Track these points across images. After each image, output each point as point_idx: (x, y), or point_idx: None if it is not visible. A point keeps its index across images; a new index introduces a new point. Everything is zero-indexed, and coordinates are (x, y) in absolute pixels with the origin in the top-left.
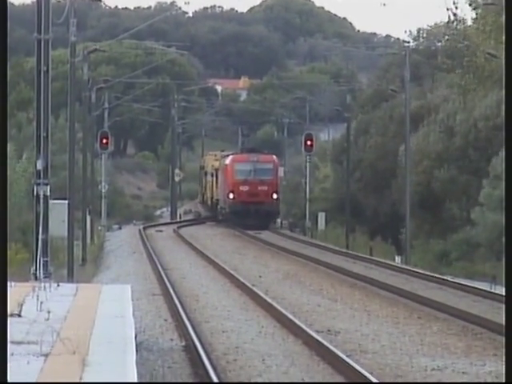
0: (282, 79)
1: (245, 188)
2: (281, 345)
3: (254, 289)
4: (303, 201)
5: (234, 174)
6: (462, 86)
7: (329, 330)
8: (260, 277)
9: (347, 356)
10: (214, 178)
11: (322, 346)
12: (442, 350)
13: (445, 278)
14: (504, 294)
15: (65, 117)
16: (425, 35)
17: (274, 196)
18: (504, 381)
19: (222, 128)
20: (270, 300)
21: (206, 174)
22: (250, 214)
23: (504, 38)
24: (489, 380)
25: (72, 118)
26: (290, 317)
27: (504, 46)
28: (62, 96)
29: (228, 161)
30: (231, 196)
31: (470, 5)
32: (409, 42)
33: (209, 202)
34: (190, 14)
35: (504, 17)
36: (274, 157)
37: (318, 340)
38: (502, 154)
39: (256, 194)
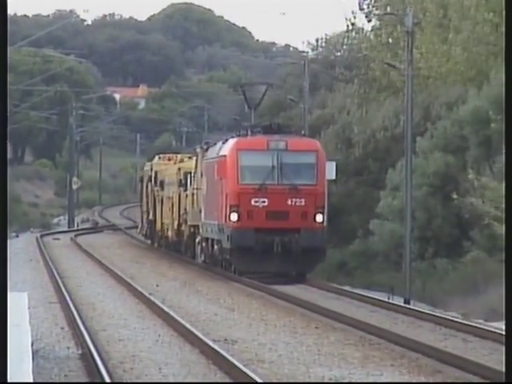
0: (180, 88)
1: (262, 202)
2: (178, 354)
3: (151, 297)
4: None
5: (241, 175)
6: (359, 96)
7: (226, 340)
8: (157, 286)
9: (244, 365)
10: (183, 190)
11: (219, 355)
12: (339, 360)
13: (342, 287)
14: (504, 295)
15: None
16: (323, 45)
17: (319, 218)
18: (504, 381)
19: (119, 136)
20: (166, 309)
21: (161, 185)
22: (271, 253)
23: (504, 37)
24: None
25: None
26: (187, 326)
27: (504, 45)
28: None
29: (228, 150)
30: (234, 218)
31: (366, 16)
32: (307, 52)
33: (169, 233)
34: (89, 22)
35: (504, 17)
36: (318, 143)
37: (214, 349)
38: (400, 163)
39: (284, 213)
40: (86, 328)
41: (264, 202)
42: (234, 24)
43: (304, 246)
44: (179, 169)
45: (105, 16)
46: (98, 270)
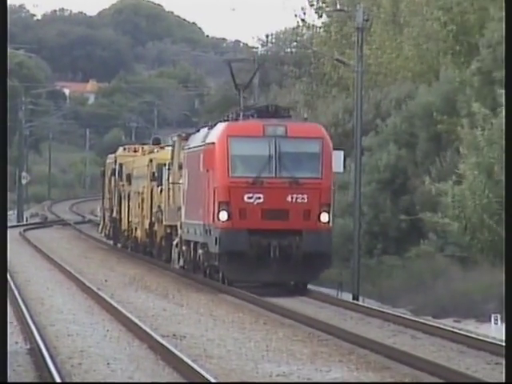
0: (130, 83)
1: (256, 198)
2: (126, 349)
3: (100, 293)
4: None
5: (232, 166)
6: (308, 93)
7: (174, 335)
8: (106, 281)
9: (192, 361)
10: (157, 184)
11: (168, 351)
12: (288, 356)
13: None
14: (504, 296)
15: None
16: (273, 41)
17: (324, 218)
18: (504, 381)
19: (69, 131)
20: (115, 304)
21: (128, 179)
22: (267, 259)
23: (504, 37)
24: None
25: None
26: (136, 321)
27: (504, 45)
28: None
29: (216, 136)
30: (223, 217)
31: (316, 12)
32: (257, 48)
33: (138, 234)
34: (39, 17)
35: (504, 17)
36: (323, 129)
37: (163, 344)
38: (348, 163)
39: (283, 212)
40: (34, 323)
41: (259, 198)
42: (184, 19)
43: (306, 250)
44: (151, 160)
45: (54, 11)
46: (47, 264)
